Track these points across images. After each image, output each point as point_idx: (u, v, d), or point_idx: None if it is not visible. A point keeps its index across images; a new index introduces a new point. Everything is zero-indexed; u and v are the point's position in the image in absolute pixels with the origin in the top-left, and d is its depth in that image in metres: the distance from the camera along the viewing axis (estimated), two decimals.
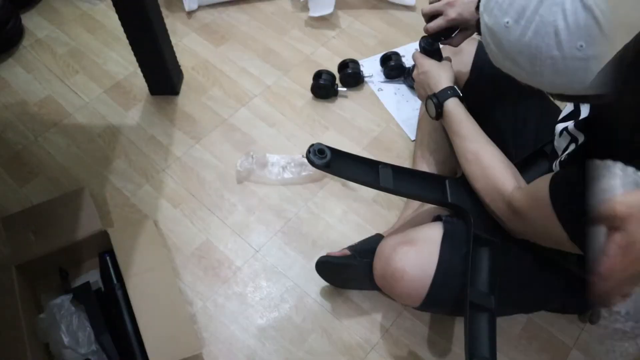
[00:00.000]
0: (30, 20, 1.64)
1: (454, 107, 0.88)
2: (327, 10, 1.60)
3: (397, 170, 0.89)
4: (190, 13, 1.65)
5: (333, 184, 1.28)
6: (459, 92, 0.91)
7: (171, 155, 1.34)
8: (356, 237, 1.17)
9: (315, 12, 1.61)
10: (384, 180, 0.87)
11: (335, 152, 0.86)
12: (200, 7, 1.67)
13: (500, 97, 0.97)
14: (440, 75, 0.92)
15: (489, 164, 0.82)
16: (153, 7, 1.22)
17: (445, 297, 0.80)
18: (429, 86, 0.93)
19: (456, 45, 0.98)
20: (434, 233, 0.84)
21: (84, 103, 1.44)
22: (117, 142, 1.36)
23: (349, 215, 1.23)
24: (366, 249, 1.01)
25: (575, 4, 0.51)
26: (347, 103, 1.43)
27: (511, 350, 1.05)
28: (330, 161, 0.83)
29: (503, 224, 0.80)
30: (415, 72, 0.99)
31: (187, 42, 1.58)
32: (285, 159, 1.29)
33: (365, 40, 1.59)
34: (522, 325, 1.07)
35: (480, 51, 1.02)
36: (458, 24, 0.93)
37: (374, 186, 0.88)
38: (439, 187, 0.90)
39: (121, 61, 1.53)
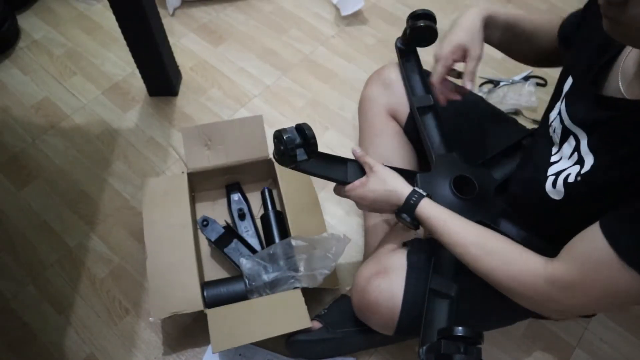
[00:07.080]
0: (26, 21, 1.62)
1: (429, 211, 0.77)
2: (358, 5, 1.59)
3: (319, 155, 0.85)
4: (188, 13, 1.64)
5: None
6: (419, 190, 0.80)
7: (170, 157, 1.33)
8: (358, 238, 1.17)
9: (346, 11, 1.60)
10: (305, 164, 0.84)
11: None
12: (192, 5, 1.66)
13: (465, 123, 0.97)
14: (389, 189, 0.81)
15: (503, 250, 0.71)
16: (150, 6, 1.21)
17: (415, 325, 0.79)
18: (388, 207, 0.83)
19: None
20: (403, 262, 0.83)
21: (82, 105, 1.43)
22: (116, 144, 1.35)
23: (351, 215, 1.23)
24: (337, 319, 0.99)
25: None
26: (347, 102, 1.43)
27: (515, 350, 1.05)
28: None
29: (537, 308, 0.70)
30: (363, 204, 0.86)
31: (185, 42, 1.57)
32: None
33: (365, 40, 1.59)
34: (525, 325, 1.07)
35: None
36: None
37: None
38: (360, 169, 0.87)
39: (119, 62, 1.52)
